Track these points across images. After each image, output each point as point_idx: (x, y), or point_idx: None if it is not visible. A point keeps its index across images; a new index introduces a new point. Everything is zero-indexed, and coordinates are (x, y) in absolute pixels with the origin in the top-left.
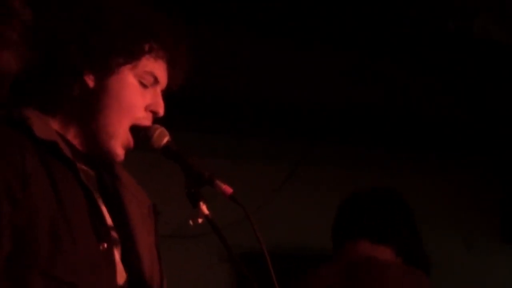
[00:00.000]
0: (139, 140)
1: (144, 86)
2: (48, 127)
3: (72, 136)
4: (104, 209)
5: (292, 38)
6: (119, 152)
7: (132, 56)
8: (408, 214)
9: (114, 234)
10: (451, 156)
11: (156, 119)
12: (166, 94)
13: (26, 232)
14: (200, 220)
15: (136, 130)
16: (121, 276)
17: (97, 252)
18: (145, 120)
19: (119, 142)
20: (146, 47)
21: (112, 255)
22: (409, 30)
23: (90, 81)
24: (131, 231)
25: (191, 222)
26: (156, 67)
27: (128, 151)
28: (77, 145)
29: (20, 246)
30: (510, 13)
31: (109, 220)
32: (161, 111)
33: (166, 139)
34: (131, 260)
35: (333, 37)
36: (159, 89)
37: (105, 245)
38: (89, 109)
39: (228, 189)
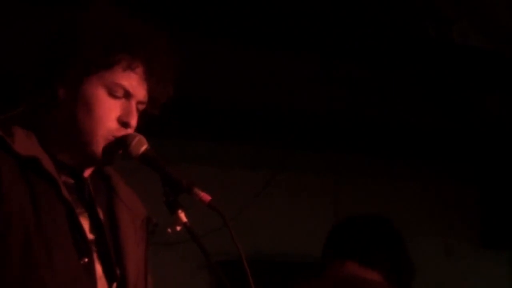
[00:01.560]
0: (116, 149)
1: (115, 97)
2: (31, 142)
3: (56, 149)
4: (86, 223)
5: (273, 46)
6: (99, 154)
7: (98, 67)
8: (399, 241)
9: (97, 248)
10: (430, 162)
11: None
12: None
13: None
14: (178, 228)
15: (116, 140)
16: None
17: (77, 266)
18: (118, 131)
19: (98, 145)
20: (115, 58)
21: (93, 269)
22: (390, 36)
23: (61, 93)
24: (121, 244)
25: (169, 230)
26: (125, 79)
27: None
28: (61, 158)
29: None
30: (489, 19)
31: (90, 235)
32: (132, 122)
33: (144, 147)
34: (116, 273)
35: (314, 45)
36: (133, 101)
37: (86, 259)
38: (64, 120)
39: (206, 197)
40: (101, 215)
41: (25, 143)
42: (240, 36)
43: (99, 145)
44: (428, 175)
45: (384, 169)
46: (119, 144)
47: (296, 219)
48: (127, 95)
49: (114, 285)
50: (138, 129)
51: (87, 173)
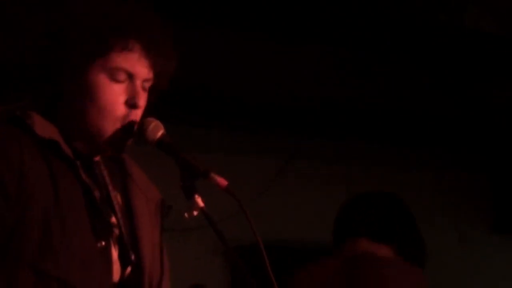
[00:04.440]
0: (134, 135)
1: (118, 81)
2: (50, 127)
3: (70, 136)
4: (103, 207)
5: (285, 35)
6: (110, 146)
7: (93, 55)
8: (409, 217)
9: (114, 231)
10: (443, 149)
11: (150, 113)
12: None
13: (17, 226)
14: (195, 213)
15: (129, 124)
16: (118, 273)
17: (93, 249)
18: (130, 116)
19: (106, 137)
20: (109, 43)
21: (109, 252)
22: (401, 23)
23: (66, 85)
24: (136, 228)
25: (186, 215)
26: (124, 61)
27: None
28: (74, 145)
29: (10, 239)
30: (500, 5)
31: (108, 218)
32: (140, 102)
33: (161, 132)
34: (131, 257)
35: (323, 33)
36: (138, 81)
37: (103, 243)
38: (73, 112)
39: (223, 182)
40: (119, 199)
41: (44, 126)
42: (254, 26)
43: (109, 135)
44: (440, 163)
45: (397, 157)
46: (135, 129)
47: (309, 206)
48: (130, 76)
49: (128, 269)
50: (151, 116)
51: (99, 157)
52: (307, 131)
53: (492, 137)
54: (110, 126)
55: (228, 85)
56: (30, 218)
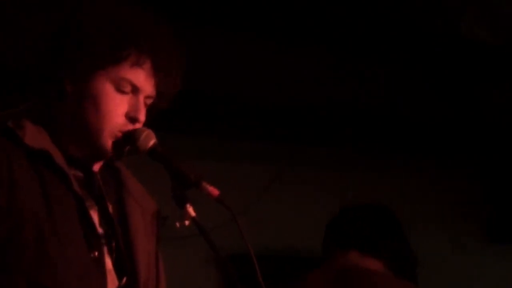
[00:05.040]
0: (126, 144)
1: (122, 93)
2: (42, 136)
3: (65, 143)
4: (96, 217)
5: (279, 40)
6: (108, 148)
7: (106, 62)
8: (398, 229)
9: (107, 242)
10: (437, 157)
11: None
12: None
13: (11, 238)
14: (187, 222)
15: (123, 135)
16: (112, 283)
17: (87, 260)
18: (126, 126)
19: (106, 139)
20: (123, 54)
21: (103, 263)
22: (397, 30)
23: (69, 88)
24: (131, 238)
25: (177, 224)
26: (133, 74)
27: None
28: (70, 151)
29: (3, 252)
30: (496, 13)
31: (100, 229)
32: (140, 117)
33: (152, 142)
34: (127, 268)
35: (320, 39)
36: (141, 96)
37: (96, 253)
38: (72, 115)
39: (215, 191)
40: (110, 209)
41: (35, 136)
42: (247, 30)
43: (107, 141)
44: (435, 170)
45: (391, 164)
46: (127, 139)
47: (303, 214)
48: (135, 90)
49: (124, 279)
50: (144, 124)
51: (97, 167)
52: (301, 138)
53: (487, 145)
54: (107, 133)
55: (221, 92)
56: (22, 230)
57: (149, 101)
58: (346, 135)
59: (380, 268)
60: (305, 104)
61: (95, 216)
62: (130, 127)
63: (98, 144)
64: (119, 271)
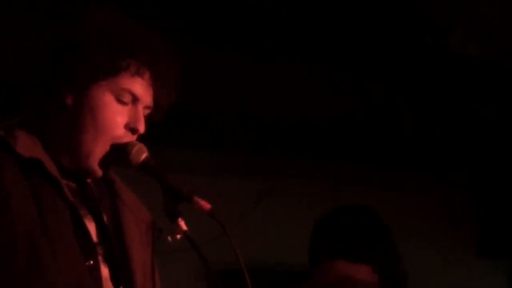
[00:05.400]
0: (117, 157)
1: (122, 103)
2: (34, 145)
3: (59, 154)
4: (91, 226)
5: (271, 56)
6: (98, 170)
7: (106, 73)
8: (384, 231)
9: (101, 250)
10: (428, 172)
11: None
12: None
13: (4, 248)
14: (178, 237)
15: (114, 147)
16: None
17: (82, 268)
18: (125, 138)
19: (96, 160)
20: (123, 64)
21: (99, 271)
22: (387, 45)
23: (68, 99)
24: (126, 248)
25: (169, 238)
26: (133, 84)
27: (108, 167)
28: (63, 162)
29: None
30: (486, 29)
31: (95, 237)
32: (140, 128)
33: (144, 156)
34: (123, 277)
35: (311, 54)
36: (140, 106)
37: (91, 261)
38: (69, 127)
39: (207, 206)
40: (105, 219)
41: (27, 146)
42: (238, 45)
43: (97, 157)
44: (426, 185)
45: (383, 179)
46: (119, 151)
47: (294, 228)
48: (135, 100)
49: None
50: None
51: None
52: (293, 151)
53: (478, 160)
54: (104, 146)
55: (212, 106)
56: (15, 239)
57: (146, 112)
58: (338, 150)
59: (366, 275)
60: (297, 119)
61: (89, 225)
62: (128, 137)
63: (86, 162)
64: (115, 280)
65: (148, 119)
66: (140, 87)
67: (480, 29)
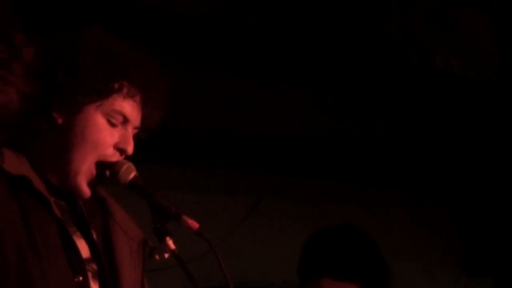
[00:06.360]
0: (105, 176)
1: (112, 124)
2: (22, 163)
3: (47, 171)
4: (80, 242)
5: (255, 73)
6: (85, 190)
7: (99, 95)
8: (372, 250)
9: (91, 267)
10: (413, 189)
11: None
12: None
13: None
14: (166, 255)
15: (102, 165)
16: None
17: (71, 284)
18: (113, 157)
19: (84, 179)
20: (115, 86)
21: (88, 287)
22: (372, 62)
23: (59, 119)
24: (117, 266)
25: (157, 257)
26: (125, 106)
27: (96, 186)
28: (52, 180)
29: None
30: (470, 46)
31: (85, 253)
32: (129, 149)
33: (132, 175)
34: None
35: (296, 72)
36: (130, 127)
37: (81, 277)
38: (58, 146)
39: (195, 224)
40: (95, 236)
41: (14, 163)
42: (224, 63)
43: (85, 176)
44: (411, 202)
45: (367, 196)
46: (108, 170)
47: (280, 246)
48: (125, 121)
49: None
50: None
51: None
52: (279, 169)
53: (463, 176)
54: (90, 164)
55: (197, 124)
56: (3, 256)
57: (134, 132)
58: (323, 168)
59: None
60: (282, 137)
61: (79, 242)
62: (117, 158)
63: (73, 183)
64: None
65: (134, 138)
66: (131, 108)
67: (464, 48)
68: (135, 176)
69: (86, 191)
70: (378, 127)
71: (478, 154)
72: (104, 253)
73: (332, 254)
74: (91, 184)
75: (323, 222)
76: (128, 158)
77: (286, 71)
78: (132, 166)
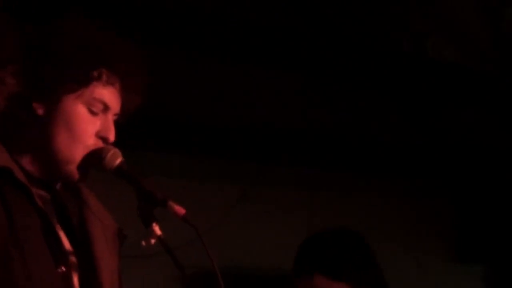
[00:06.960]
0: (92, 162)
1: (93, 113)
2: (1, 153)
3: (27, 162)
4: (61, 233)
5: (246, 61)
6: (75, 174)
7: (79, 84)
8: (367, 253)
9: (73, 258)
10: (405, 178)
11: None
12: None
13: None
14: (153, 241)
15: (89, 153)
16: None
17: (54, 276)
18: (96, 145)
19: (74, 165)
20: (95, 73)
21: (71, 278)
22: (364, 51)
23: (39, 109)
24: (93, 255)
25: (143, 243)
26: (105, 94)
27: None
28: (32, 171)
29: None
30: (462, 34)
31: (67, 244)
32: (111, 137)
33: (118, 160)
34: (92, 285)
35: (287, 59)
36: (110, 115)
37: (63, 268)
38: (41, 137)
39: (181, 210)
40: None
41: None
42: (216, 51)
43: (76, 164)
44: (403, 191)
45: (359, 185)
46: (94, 157)
47: (269, 233)
48: (105, 109)
49: None
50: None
51: (57, 185)
52: (269, 158)
53: (455, 164)
54: (80, 154)
55: (187, 111)
56: None
57: (115, 118)
58: (314, 156)
59: None
60: (272, 125)
61: (60, 233)
62: (99, 145)
63: (67, 168)
64: (85, 287)
65: (115, 124)
66: (111, 95)
67: (456, 35)
68: (121, 162)
69: (76, 175)
70: (369, 116)
71: (470, 142)
72: (82, 242)
73: (328, 253)
74: (81, 170)
75: (312, 210)
76: (115, 143)
77: (276, 59)
78: (119, 152)
